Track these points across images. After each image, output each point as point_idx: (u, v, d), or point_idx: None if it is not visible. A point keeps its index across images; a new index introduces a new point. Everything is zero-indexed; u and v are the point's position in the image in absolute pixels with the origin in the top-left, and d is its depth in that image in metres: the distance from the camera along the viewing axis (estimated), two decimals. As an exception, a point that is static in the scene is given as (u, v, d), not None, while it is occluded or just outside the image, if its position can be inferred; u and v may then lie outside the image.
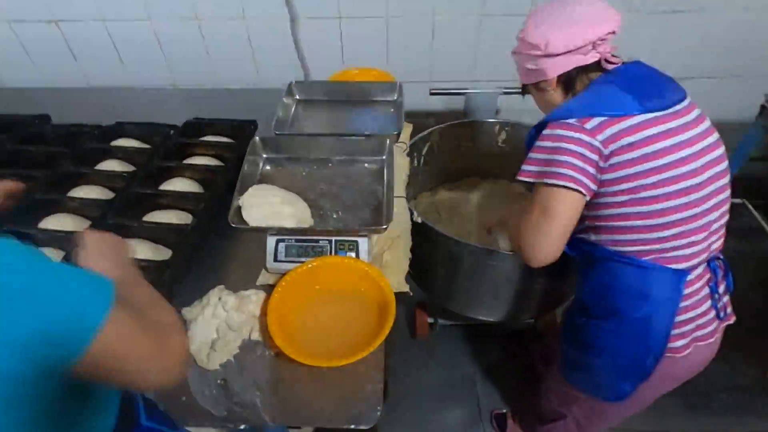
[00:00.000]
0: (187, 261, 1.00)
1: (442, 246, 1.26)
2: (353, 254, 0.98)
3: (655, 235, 0.82)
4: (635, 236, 0.83)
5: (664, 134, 0.80)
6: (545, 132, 0.84)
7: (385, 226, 0.92)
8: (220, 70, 1.83)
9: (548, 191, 0.83)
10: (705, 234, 0.84)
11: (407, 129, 1.44)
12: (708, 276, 0.88)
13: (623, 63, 0.88)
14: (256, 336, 0.89)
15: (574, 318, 1.01)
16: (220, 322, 0.88)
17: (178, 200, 1.07)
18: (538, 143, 0.85)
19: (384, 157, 1.09)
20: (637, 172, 0.79)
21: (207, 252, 1.06)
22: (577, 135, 0.80)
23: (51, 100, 1.60)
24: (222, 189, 1.08)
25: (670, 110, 0.82)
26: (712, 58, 1.82)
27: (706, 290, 0.88)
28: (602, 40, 0.83)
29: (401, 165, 1.26)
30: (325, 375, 0.84)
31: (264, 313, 0.90)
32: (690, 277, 0.85)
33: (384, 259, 1.02)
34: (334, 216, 1.02)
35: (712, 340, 0.92)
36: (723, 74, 1.87)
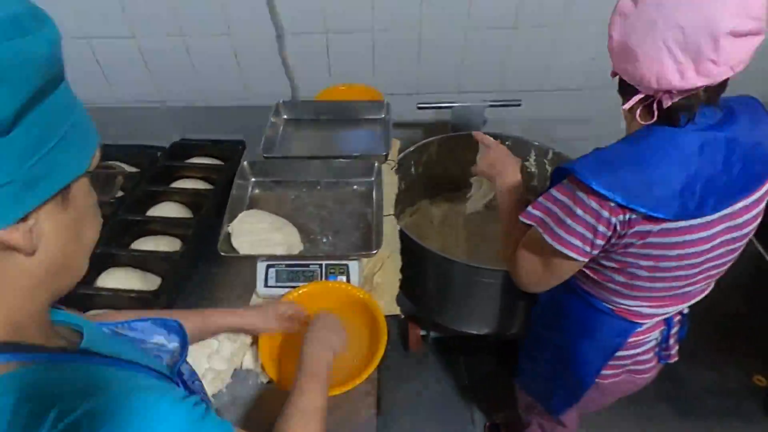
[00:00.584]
0: (176, 289, 1.00)
1: (431, 262, 1.27)
2: (344, 278, 0.98)
3: (622, 299, 0.80)
4: (602, 290, 0.81)
5: (690, 244, 0.69)
6: (567, 184, 0.71)
7: (374, 251, 0.93)
8: (208, 87, 1.82)
9: (552, 251, 0.74)
10: (676, 307, 0.82)
11: (395, 145, 1.44)
12: (662, 327, 0.87)
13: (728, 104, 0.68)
14: (248, 364, 0.89)
15: (533, 327, 1.06)
16: (212, 352, 0.88)
17: (166, 226, 1.07)
18: (555, 192, 0.72)
19: (373, 179, 1.10)
20: (632, 262, 0.72)
21: (197, 279, 1.05)
22: (596, 207, 0.67)
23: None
24: (211, 213, 1.08)
25: (732, 208, 0.68)
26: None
27: (655, 336, 0.88)
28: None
29: (390, 182, 1.27)
30: (318, 403, 0.84)
31: (255, 341, 0.90)
32: (640, 329, 0.84)
33: (375, 281, 1.03)
34: (324, 240, 1.02)
35: (646, 376, 0.94)
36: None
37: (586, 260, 0.73)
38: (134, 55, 1.71)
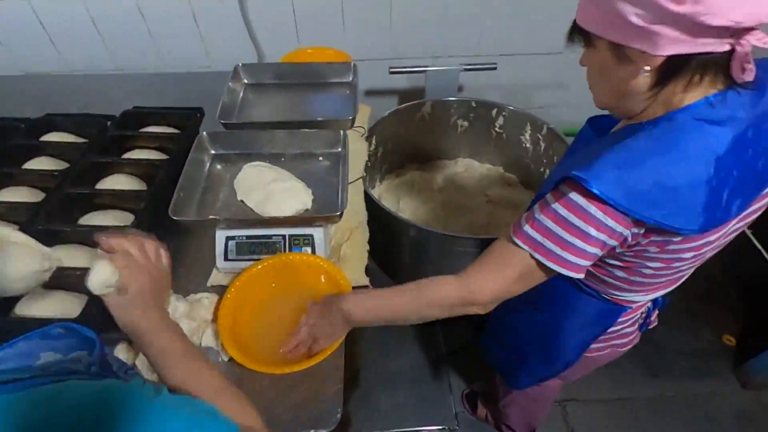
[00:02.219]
0: (129, 265, 0.93)
1: (406, 233, 1.23)
2: (309, 249, 0.93)
3: (612, 290, 0.74)
4: (603, 286, 0.74)
5: (715, 241, 0.62)
6: (573, 197, 0.56)
7: (338, 213, 0.87)
8: (166, 52, 1.70)
9: (536, 264, 0.62)
10: (666, 290, 0.77)
11: (365, 111, 1.38)
12: (648, 304, 0.85)
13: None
14: (208, 342, 0.84)
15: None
16: (168, 330, 0.83)
17: (116, 199, 0.99)
18: (555, 207, 0.58)
19: (340, 150, 1.03)
20: (625, 266, 0.66)
21: (152, 254, 0.99)
22: (611, 223, 0.55)
23: (-28, 90, 1.46)
24: (166, 184, 1.00)
25: (752, 207, 0.61)
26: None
27: (638, 320, 0.86)
28: (747, 31, 0.49)
29: (359, 150, 1.21)
30: (282, 379, 0.80)
31: (214, 317, 0.85)
32: (630, 309, 0.80)
33: (342, 251, 0.98)
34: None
35: (629, 346, 0.93)
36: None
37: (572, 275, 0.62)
38: (83, 19, 1.58)
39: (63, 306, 0.83)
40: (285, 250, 0.92)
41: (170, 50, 1.70)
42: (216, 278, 0.94)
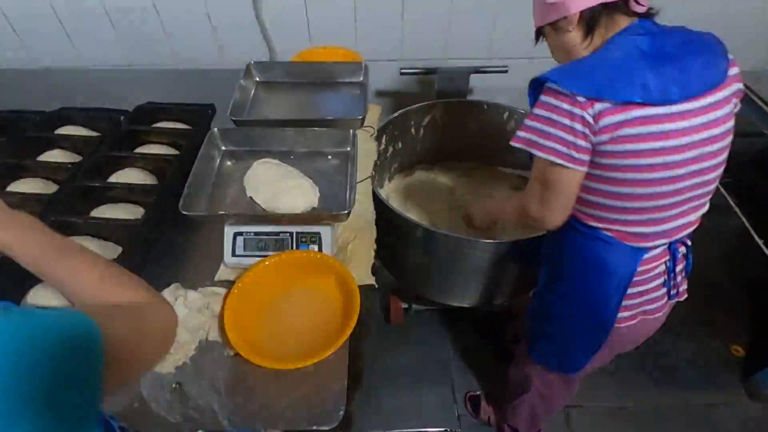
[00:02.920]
0: (138, 258, 0.95)
1: (412, 233, 1.23)
2: (315, 247, 0.94)
3: (619, 216, 0.81)
4: (599, 213, 0.83)
5: (666, 135, 0.73)
6: (541, 98, 0.77)
7: (346, 212, 0.88)
8: (179, 49, 1.72)
9: (544, 165, 0.79)
10: (674, 223, 0.82)
11: (375, 111, 1.38)
12: (667, 257, 0.88)
13: (653, 20, 0.78)
14: (214, 336, 0.85)
15: (539, 290, 1.05)
16: (175, 323, 0.84)
17: (128, 193, 1.01)
18: (534, 110, 0.78)
19: (349, 149, 1.04)
20: (617, 164, 0.75)
21: (161, 248, 1.00)
22: (564, 104, 0.74)
23: (-9, 82, 1.49)
24: (177, 179, 1.01)
25: (689, 104, 0.73)
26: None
27: (662, 268, 0.89)
28: None
29: (368, 150, 1.21)
30: (287, 374, 0.81)
31: (221, 312, 0.86)
32: (646, 255, 0.85)
33: (348, 250, 0.99)
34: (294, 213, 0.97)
35: (659, 315, 0.94)
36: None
37: (577, 167, 0.76)
38: (100, 14, 1.60)
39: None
40: (292, 247, 0.93)
41: (183, 47, 1.71)
42: (223, 273, 0.95)
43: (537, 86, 0.79)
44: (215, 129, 1.03)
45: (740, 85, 0.79)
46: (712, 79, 0.75)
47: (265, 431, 0.80)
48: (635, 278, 0.86)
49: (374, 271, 0.98)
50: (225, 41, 1.71)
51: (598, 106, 0.72)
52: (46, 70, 1.68)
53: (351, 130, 1.03)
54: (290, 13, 1.63)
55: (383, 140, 1.51)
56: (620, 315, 0.90)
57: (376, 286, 0.96)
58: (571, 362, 1.04)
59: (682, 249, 0.89)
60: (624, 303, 0.89)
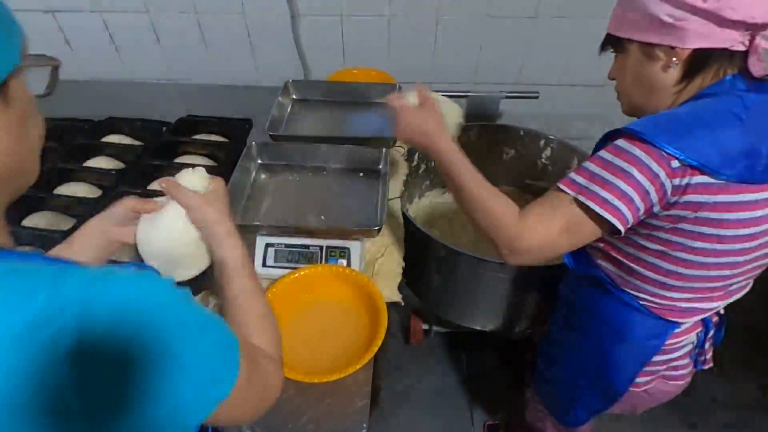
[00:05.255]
0: (173, 264, 0.97)
1: (436, 253, 1.23)
2: (344, 261, 0.95)
3: (667, 293, 0.71)
4: (646, 286, 0.72)
5: (761, 219, 0.62)
6: (619, 143, 0.61)
7: (377, 228, 0.89)
8: (219, 65, 1.79)
9: (582, 212, 0.64)
10: (718, 302, 0.74)
11: (406, 132, 1.40)
12: (699, 329, 0.80)
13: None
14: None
15: (552, 331, 1.00)
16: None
17: (166, 200, 1.04)
18: (601, 154, 0.63)
19: (381, 167, 1.06)
20: (688, 247, 0.64)
21: (195, 255, 1.02)
22: (655, 167, 0.58)
23: (45, 91, 1.58)
24: (213, 190, 1.05)
25: None
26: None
27: (691, 339, 0.82)
28: (762, 31, 0.58)
29: (399, 170, 1.23)
30: (310, 388, 0.80)
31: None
32: (679, 329, 0.76)
33: (376, 267, 0.99)
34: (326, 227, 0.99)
35: (680, 382, 0.88)
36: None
37: (620, 229, 0.62)
38: (146, 30, 1.70)
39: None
40: (321, 261, 0.94)
41: (222, 64, 1.79)
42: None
43: (612, 136, 0.64)
44: (253, 143, 1.06)
45: None
46: None
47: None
48: (660, 354, 0.80)
49: (400, 289, 0.98)
50: (262, 59, 1.78)
51: (689, 178, 0.58)
52: (94, 81, 1.78)
53: (383, 149, 1.05)
54: (327, 35, 1.69)
55: (416, 156, 1.53)
56: (639, 380, 0.84)
57: (403, 303, 0.96)
58: (572, 415, 0.97)
59: (716, 319, 0.83)
60: (643, 373, 0.82)
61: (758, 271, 0.72)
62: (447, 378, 1.69)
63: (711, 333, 0.82)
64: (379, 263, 1.00)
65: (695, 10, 0.58)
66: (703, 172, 0.58)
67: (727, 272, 0.67)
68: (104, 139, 1.20)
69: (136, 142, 1.21)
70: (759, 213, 0.61)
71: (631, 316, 0.76)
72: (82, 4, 1.63)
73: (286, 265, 0.95)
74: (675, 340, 0.79)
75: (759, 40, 0.58)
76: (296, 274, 0.91)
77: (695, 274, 0.67)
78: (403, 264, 1.01)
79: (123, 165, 1.13)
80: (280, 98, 1.22)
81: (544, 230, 0.66)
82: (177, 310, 0.36)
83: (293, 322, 0.88)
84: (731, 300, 0.76)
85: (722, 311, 0.82)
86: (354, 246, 0.95)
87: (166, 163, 1.12)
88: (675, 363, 0.84)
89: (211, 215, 0.61)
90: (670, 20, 0.60)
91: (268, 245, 0.96)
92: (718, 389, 1.64)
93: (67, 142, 1.16)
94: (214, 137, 1.22)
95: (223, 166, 1.10)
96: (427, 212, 1.66)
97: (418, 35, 1.70)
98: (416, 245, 1.17)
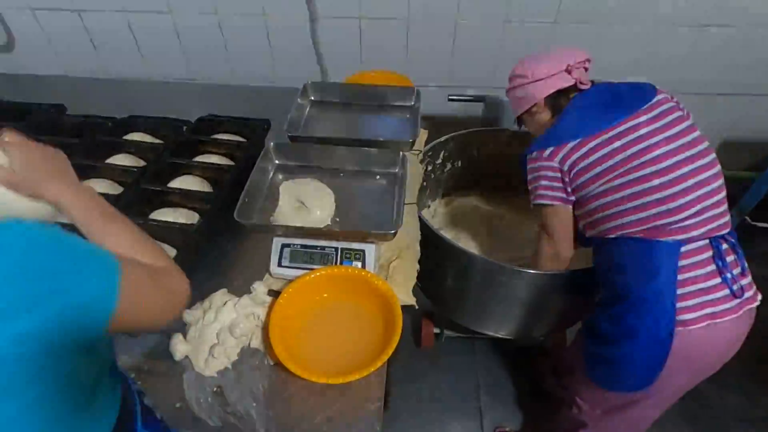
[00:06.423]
0: (191, 261, 0.99)
1: (452, 257, 1.23)
2: (359, 263, 0.95)
3: (632, 217, 0.92)
4: (619, 221, 0.94)
5: (620, 135, 0.93)
6: (528, 166, 1.06)
7: (393, 231, 0.89)
8: (238, 66, 1.82)
9: (542, 211, 1.07)
10: (688, 212, 0.89)
11: (422, 135, 1.40)
12: (710, 252, 0.89)
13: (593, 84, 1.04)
14: (255, 344, 0.87)
15: (594, 311, 1.04)
16: (222, 328, 0.86)
17: (185, 199, 1.05)
18: (528, 175, 1.07)
19: (397, 170, 1.06)
20: (597, 173, 0.95)
21: (212, 253, 1.04)
22: (541, 163, 1.02)
23: (68, 88, 1.61)
24: (231, 189, 1.06)
25: (631, 115, 0.94)
26: (745, 74, 1.75)
27: (712, 267, 0.89)
28: (574, 66, 1.03)
29: (414, 173, 1.23)
30: (324, 389, 0.81)
31: (266, 321, 0.88)
32: (684, 249, 0.89)
33: (391, 269, 0.99)
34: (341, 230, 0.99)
35: (732, 316, 0.88)
36: (757, 91, 1.80)
37: (561, 203, 1.03)
38: (169, 30, 1.73)
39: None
40: (336, 262, 0.95)
41: (241, 65, 1.81)
42: (267, 283, 0.97)
43: (522, 161, 1.08)
44: (271, 144, 1.07)
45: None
46: (644, 100, 0.96)
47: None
48: (683, 275, 0.88)
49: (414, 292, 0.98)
50: (280, 60, 1.80)
51: (551, 148, 0.99)
52: (117, 79, 1.81)
53: (401, 152, 1.05)
54: (345, 38, 1.71)
55: (436, 162, 1.53)
56: (684, 317, 0.87)
57: (417, 307, 0.96)
58: (639, 377, 0.96)
59: (725, 245, 0.91)
60: (683, 304, 0.88)
61: (711, 183, 0.91)
62: (457, 383, 1.68)
63: (728, 255, 0.90)
64: (393, 266, 1.00)
65: (526, 84, 1.08)
66: (562, 147, 0.98)
67: (657, 181, 0.90)
68: (126, 137, 1.22)
69: (157, 141, 1.22)
70: (625, 140, 0.93)
71: (639, 250, 0.91)
72: (107, 4, 1.66)
73: (302, 265, 0.95)
74: (689, 261, 0.89)
75: (576, 76, 1.03)
76: (312, 275, 0.91)
77: (629, 193, 0.92)
78: (418, 267, 1.01)
79: (144, 163, 1.15)
80: (299, 99, 1.23)
81: (545, 246, 1.11)
82: (59, 237, 0.45)
83: (308, 323, 0.89)
84: (712, 215, 0.90)
85: (732, 239, 0.92)
86: (369, 248, 0.95)
87: (186, 161, 1.13)
88: (712, 295, 0.88)
89: (26, 189, 0.57)
90: (523, 95, 1.09)
91: (284, 245, 0.96)
92: (735, 403, 1.60)
93: (90, 138, 1.18)
94: (232, 137, 1.24)
95: (241, 165, 1.11)
96: (442, 216, 1.65)
97: (436, 38, 1.70)
98: (431, 249, 1.17)
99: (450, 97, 1.63)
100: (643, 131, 0.93)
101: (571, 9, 1.60)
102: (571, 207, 1.04)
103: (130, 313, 0.48)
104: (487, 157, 1.64)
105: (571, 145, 0.97)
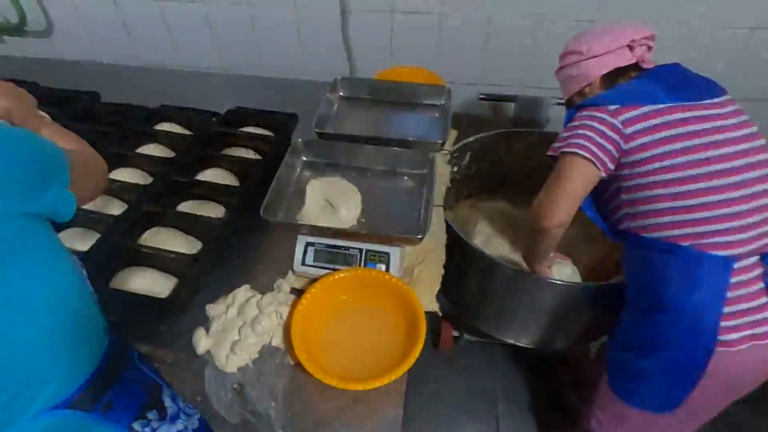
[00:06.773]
0: (216, 256, 0.99)
1: (476, 263, 1.20)
2: (383, 266, 0.93)
3: (685, 217, 0.83)
4: (667, 219, 0.85)
5: (691, 120, 0.84)
6: (576, 115, 0.92)
7: (420, 236, 0.87)
8: (268, 58, 1.81)
9: (563, 159, 0.90)
10: (746, 221, 0.82)
11: (451, 135, 1.37)
12: (761, 270, 0.83)
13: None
14: (276, 342, 0.87)
15: (622, 318, 0.98)
16: (244, 324, 0.86)
17: (213, 191, 1.06)
18: (568, 124, 0.93)
19: (426, 171, 1.03)
20: (659, 154, 0.84)
21: (237, 248, 1.04)
22: (599, 114, 0.87)
23: (102, 74, 1.64)
24: (257, 184, 1.06)
25: (701, 103, 0.86)
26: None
27: (760, 285, 0.83)
28: (637, 43, 0.92)
29: (442, 174, 1.20)
30: (343, 392, 0.80)
31: (288, 320, 0.87)
32: (736, 265, 0.82)
33: (415, 273, 0.97)
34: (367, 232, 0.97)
35: None
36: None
37: (597, 164, 0.86)
38: (200, 20, 1.73)
39: (154, 284, 0.89)
40: (360, 264, 0.93)
41: (271, 55, 1.80)
42: (289, 280, 0.97)
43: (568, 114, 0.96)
44: (299, 140, 1.06)
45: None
46: (715, 92, 0.89)
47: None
48: (731, 294, 0.82)
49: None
50: (309, 53, 1.78)
51: (619, 105, 0.86)
52: (149, 68, 1.83)
53: (430, 153, 1.03)
54: (376, 33, 1.67)
55: (462, 163, 1.49)
56: (726, 338, 0.82)
57: (440, 314, 0.94)
58: (667, 397, 0.90)
59: None
60: (727, 323, 0.82)
61: (764, 199, 0.83)
62: (474, 387, 1.65)
63: None
64: (418, 270, 0.98)
65: (580, 61, 0.97)
66: (635, 106, 0.86)
67: (716, 183, 0.82)
68: (157, 127, 1.23)
69: (186, 132, 1.23)
70: (694, 128, 0.84)
71: (684, 263, 0.84)
72: (142, -8, 1.67)
73: (325, 265, 0.94)
74: (738, 279, 0.82)
75: (638, 54, 0.93)
76: (336, 276, 0.90)
77: (685, 190, 0.83)
78: (443, 272, 0.99)
79: (173, 153, 1.16)
80: (328, 95, 1.22)
81: (546, 193, 0.92)
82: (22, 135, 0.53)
83: (330, 324, 0.88)
84: (766, 241, 0.83)
85: None
86: (394, 251, 0.93)
87: (214, 153, 1.14)
88: (757, 316, 0.81)
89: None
90: (576, 73, 0.97)
91: (308, 244, 0.95)
92: (763, 423, 1.53)
93: (123, 127, 1.19)
94: (260, 130, 1.23)
95: (268, 160, 1.11)
96: (465, 220, 1.62)
97: (468, 34, 1.65)
98: (455, 252, 1.14)
99: (481, 96, 1.58)
100: (717, 123, 0.84)
101: (612, 7, 1.53)
102: (598, 178, 0.89)
103: (75, 187, 0.57)
104: (514, 159, 1.60)
105: (645, 109, 0.84)
